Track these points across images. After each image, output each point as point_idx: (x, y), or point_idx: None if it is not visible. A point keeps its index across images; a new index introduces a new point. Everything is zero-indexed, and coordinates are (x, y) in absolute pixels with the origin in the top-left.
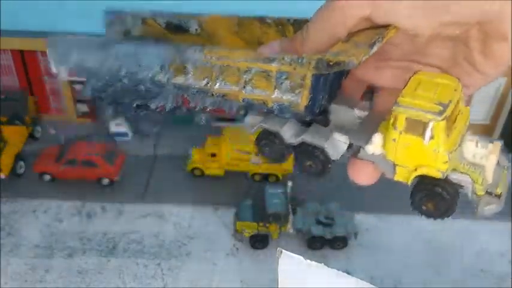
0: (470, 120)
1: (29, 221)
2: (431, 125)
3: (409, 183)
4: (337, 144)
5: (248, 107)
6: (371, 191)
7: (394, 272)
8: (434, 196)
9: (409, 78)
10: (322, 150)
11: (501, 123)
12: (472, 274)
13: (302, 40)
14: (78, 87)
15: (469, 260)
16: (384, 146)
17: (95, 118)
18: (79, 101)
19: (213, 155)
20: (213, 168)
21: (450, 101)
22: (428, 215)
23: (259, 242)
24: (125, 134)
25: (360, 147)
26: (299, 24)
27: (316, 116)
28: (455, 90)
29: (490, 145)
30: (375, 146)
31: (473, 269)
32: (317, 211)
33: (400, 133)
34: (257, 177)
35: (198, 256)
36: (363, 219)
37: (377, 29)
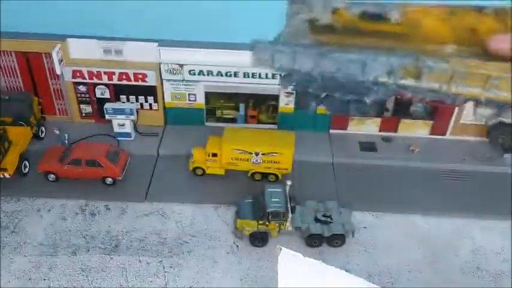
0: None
1: (33, 220)
2: None
3: None
4: None
5: (485, 102)
6: (370, 190)
7: (391, 269)
8: None
9: None
10: None
11: None
12: (468, 272)
13: None
14: (82, 88)
15: (466, 258)
16: None
17: (98, 119)
18: (83, 102)
19: (214, 154)
20: (214, 168)
21: None
22: None
23: (259, 239)
24: (128, 135)
25: None
26: None
27: None
28: None
29: None
30: None
31: (469, 267)
32: (315, 209)
33: None
34: (257, 177)
35: (199, 254)
36: (360, 217)
37: None
